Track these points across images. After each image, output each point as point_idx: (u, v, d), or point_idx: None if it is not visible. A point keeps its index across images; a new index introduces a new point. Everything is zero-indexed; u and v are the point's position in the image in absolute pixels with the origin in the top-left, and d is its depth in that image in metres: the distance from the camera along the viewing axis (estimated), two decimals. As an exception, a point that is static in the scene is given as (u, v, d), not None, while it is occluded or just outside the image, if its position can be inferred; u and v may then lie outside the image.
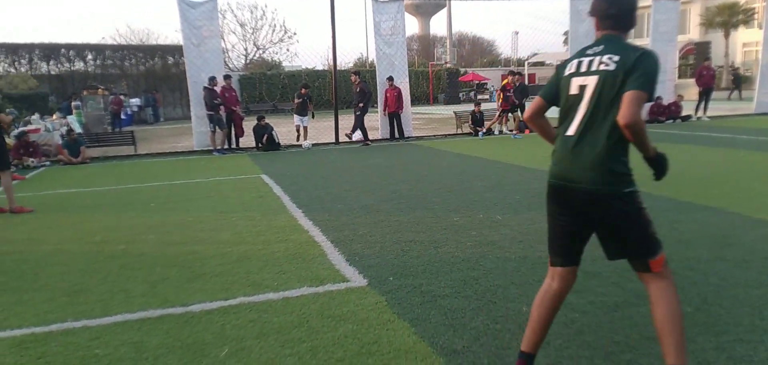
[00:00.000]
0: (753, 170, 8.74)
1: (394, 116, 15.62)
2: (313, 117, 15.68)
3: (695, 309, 3.60)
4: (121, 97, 26.54)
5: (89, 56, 32.74)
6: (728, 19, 38.23)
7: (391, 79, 15.39)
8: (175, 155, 14.48)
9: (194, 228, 6.34)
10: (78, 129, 16.77)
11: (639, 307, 3.65)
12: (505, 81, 16.75)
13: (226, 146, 14.37)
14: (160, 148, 16.02)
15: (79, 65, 32.42)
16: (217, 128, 13.98)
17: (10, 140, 12.87)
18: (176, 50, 33.56)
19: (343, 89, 20.43)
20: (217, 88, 13.89)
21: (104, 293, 4.35)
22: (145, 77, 33.66)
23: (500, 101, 17.03)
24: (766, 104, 19.88)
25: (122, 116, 25.04)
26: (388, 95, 15.45)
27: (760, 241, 4.99)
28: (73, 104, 21.23)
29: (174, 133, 21.90)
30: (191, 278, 4.61)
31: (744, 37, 40.83)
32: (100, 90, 23.21)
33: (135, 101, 30.47)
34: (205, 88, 13.79)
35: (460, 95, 44.94)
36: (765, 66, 19.84)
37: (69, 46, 31.52)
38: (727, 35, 38.80)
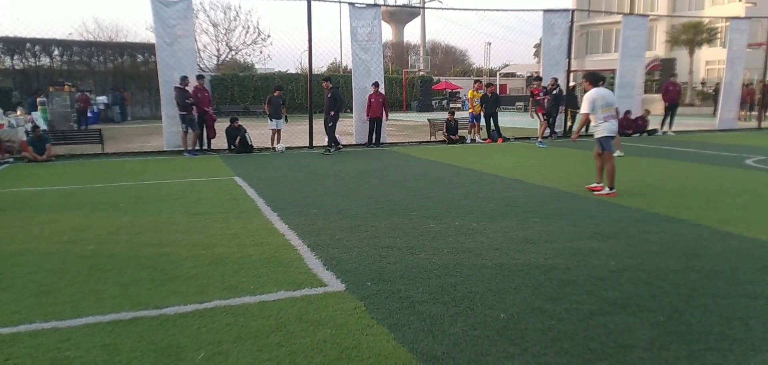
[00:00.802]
0: (718, 184, 9.01)
1: (376, 121, 15.63)
2: (286, 121, 15.54)
3: (667, 318, 3.69)
4: (88, 94, 25.90)
5: (55, 52, 31.86)
6: (693, 37, 39.41)
7: (376, 84, 15.41)
8: (144, 154, 14.19)
9: (166, 229, 6.22)
10: (43, 126, 16.30)
11: (613, 315, 3.72)
12: (532, 89, 17.00)
13: (197, 147, 14.16)
14: (128, 147, 15.68)
15: (44, 61, 31.52)
16: (189, 128, 13.76)
17: None
18: (146, 48, 32.94)
19: (318, 94, 20.36)
20: (190, 88, 13.69)
21: (74, 294, 4.22)
22: (113, 75, 32.91)
23: (472, 109, 17.22)
24: (729, 120, 20.58)
25: (88, 114, 24.43)
26: (372, 100, 15.43)
27: (727, 253, 5.14)
28: (38, 100, 20.64)
29: (142, 132, 21.47)
30: (164, 280, 4.52)
31: (707, 55, 42.20)
32: (66, 87, 22.58)
33: (101, 99, 29.77)
34: (176, 88, 13.57)
35: (433, 102, 45.25)
36: (727, 84, 20.54)
37: (35, 41, 30.58)
38: (691, 53, 39.99)
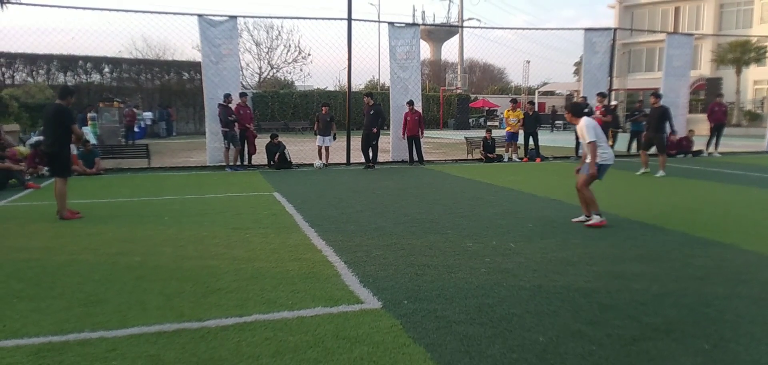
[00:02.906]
0: (766, 208, 8.69)
1: (413, 139, 15.66)
2: (335, 138, 15.62)
3: (712, 346, 3.59)
4: (134, 109, 26.82)
5: (106, 69, 33.16)
6: (740, 56, 38.20)
7: (411, 103, 15.45)
8: (187, 169, 14.59)
9: (208, 243, 6.38)
10: (93, 140, 16.93)
11: (656, 341, 3.64)
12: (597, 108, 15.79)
13: (238, 163, 14.47)
14: (173, 162, 16.14)
15: (95, 77, 32.85)
16: (231, 144, 14.10)
17: (25, 150, 13.04)
18: (191, 66, 33.96)
19: (356, 111, 20.59)
20: (232, 106, 14.04)
21: (121, 304, 4.38)
22: (160, 92, 34.04)
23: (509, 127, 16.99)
24: (779, 142, 19.82)
25: (135, 129, 25.29)
26: (408, 118, 15.48)
27: (777, 280, 4.96)
28: (88, 115, 21.47)
29: (186, 147, 22.07)
30: (206, 293, 4.64)
31: (755, 74, 40.83)
32: (115, 103, 23.45)
33: (148, 115, 30.79)
34: (220, 105, 13.94)
35: (470, 121, 45.06)
36: (778, 104, 19.81)
37: (86, 59, 31.92)
38: (738, 72, 38.77)
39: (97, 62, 32.53)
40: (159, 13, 15.32)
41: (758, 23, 42.07)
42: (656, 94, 13.73)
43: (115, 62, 33.46)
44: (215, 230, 7.07)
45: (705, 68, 43.09)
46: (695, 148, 18.23)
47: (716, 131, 18.57)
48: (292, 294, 4.62)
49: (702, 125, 21.78)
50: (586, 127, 7.27)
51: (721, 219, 7.83)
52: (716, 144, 18.57)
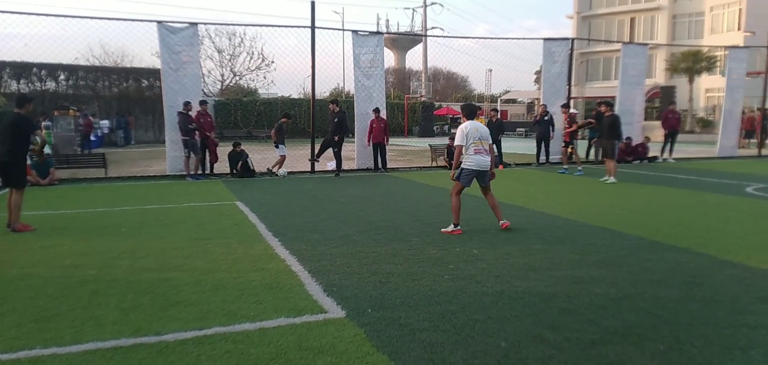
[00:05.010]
0: (719, 212, 9.01)
1: (378, 146, 15.68)
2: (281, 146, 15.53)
3: (668, 347, 3.68)
4: (91, 118, 26.07)
5: (61, 76, 32.15)
6: (692, 65, 39.69)
7: (377, 110, 15.46)
8: (147, 179, 14.25)
9: (168, 254, 6.23)
10: (47, 150, 16.36)
11: (614, 344, 3.72)
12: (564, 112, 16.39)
13: (199, 172, 14.22)
14: (131, 171, 15.74)
15: (50, 85, 31.81)
16: (191, 153, 13.84)
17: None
18: (151, 73, 33.22)
19: (320, 118, 20.53)
20: (192, 113, 13.79)
21: (74, 320, 4.23)
22: (118, 99, 33.19)
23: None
24: (729, 148, 20.63)
25: (92, 138, 24.57)
26: (374, 125, 15.49)
27: (728, 282, 5.14)
28: (43, 123, 20.76)
29: (146, 156, 21.56)
30: (165, 306, 4.53)
31: (707, 83, 42.45)
32: (71, 111, 22.75)
33: (105, 123, 29.99)
34: (179, 113, 13.68)
35: (435, 128, 45.41)
36: (727, 112, 20.64)
37: (41, 66, 30.90)
38: (691, 81, 40.23)
39: (52, 69, 31.50)
40: (117, 19, 14.97)
41: (709, 34, 43.83)
42: (607, 102, 14.09)
43: (71, 69, 32.44)
44: (175, 241, 6.92)
45: (659, 77, 44.59)
46: (650, 154, 18.79)
47: (670, 138, 19.21)
48: (255, 305, 4.55)
49: (657, 132, 22.52)
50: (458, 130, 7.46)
51: (676, 224, 8.07)
52: (671, 150, 19.19)
